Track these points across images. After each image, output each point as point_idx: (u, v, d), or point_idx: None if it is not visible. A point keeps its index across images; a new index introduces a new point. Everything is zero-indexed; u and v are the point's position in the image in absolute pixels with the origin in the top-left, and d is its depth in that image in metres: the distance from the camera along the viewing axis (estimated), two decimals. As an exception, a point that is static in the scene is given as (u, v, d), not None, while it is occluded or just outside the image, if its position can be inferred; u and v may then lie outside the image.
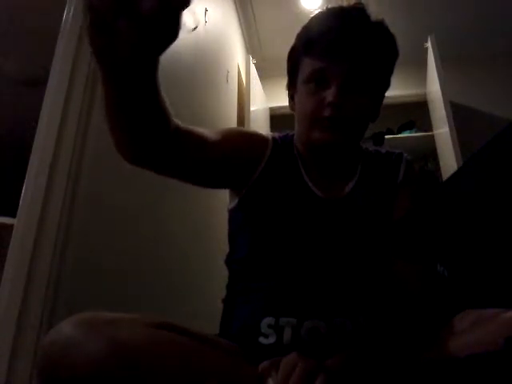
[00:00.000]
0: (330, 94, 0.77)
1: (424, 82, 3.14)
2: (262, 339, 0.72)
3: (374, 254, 0.80)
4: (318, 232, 0.79)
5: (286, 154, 0.87)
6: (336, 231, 0.80)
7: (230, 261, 0.88)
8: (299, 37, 0.87)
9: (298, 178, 0.84)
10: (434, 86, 2.78)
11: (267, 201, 0.81)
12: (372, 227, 0.81)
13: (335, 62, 0.78)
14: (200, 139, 0.71)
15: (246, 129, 0.95)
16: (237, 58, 3.01)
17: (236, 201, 0.85)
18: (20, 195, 1.04)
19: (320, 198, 0.82)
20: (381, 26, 0.82)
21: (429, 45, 2.78)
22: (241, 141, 0.82)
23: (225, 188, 0.88)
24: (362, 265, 0.79)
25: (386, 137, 3.11)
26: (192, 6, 0.39)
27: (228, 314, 0.83)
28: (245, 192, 0.83)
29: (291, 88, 0.90)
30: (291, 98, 0.91)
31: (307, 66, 0.82)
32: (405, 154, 0.91)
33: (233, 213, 0.88)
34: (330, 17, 0.82)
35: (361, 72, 0.78)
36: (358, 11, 0.82)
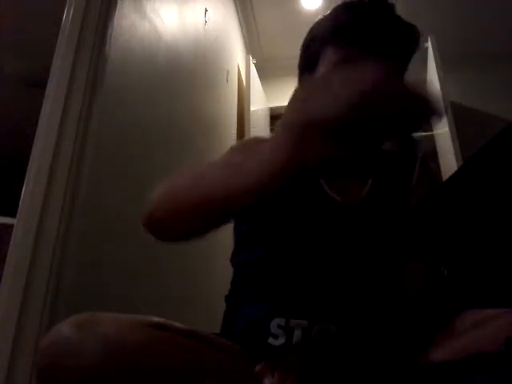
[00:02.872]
0: None
1: (424, 82, 3.14)
2: (271, 340, 0.70)
3: (389, 258, 0.78)
4: (335, 237, 0.77)
5: None
6: (352, 236, 0.77)
7: (239, 262, 0.85)
8: (322, 26, 0.81)
9: (314, 181, 0.81)
10: (434, 86, 2.78)
11: (283, 207, 0.78)
12: (387, 232, 0.78)
13: (365, 51, 0.74)
14: None
15: (251, 140, 0.88)
16: (237, 58, 3.01)
17: None
18: (20, 195, 1.04)
19: (337, 203, 0.80)
20: (403, 20, 0.80)
21: (429, 45, 2.78)
22: None
23: None
24: (377, 270, 0.77)
25: (386, 137, 3.10)
26: None
27: (232, 312, 0.81)
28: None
29: None
30: None
31: (332, 54, 0.77)
32: (419, 154, 0.88)
33: (241, 215, 0.85)
34: (358, 7, 0.77)
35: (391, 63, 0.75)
36: (385, 4, 0.79)
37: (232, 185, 0.45)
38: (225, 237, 0.92)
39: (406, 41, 0.78)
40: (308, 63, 0.83)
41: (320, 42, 0.80)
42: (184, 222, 0.54)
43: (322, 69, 0.79)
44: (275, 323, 0.70)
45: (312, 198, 0.79)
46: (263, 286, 0.76)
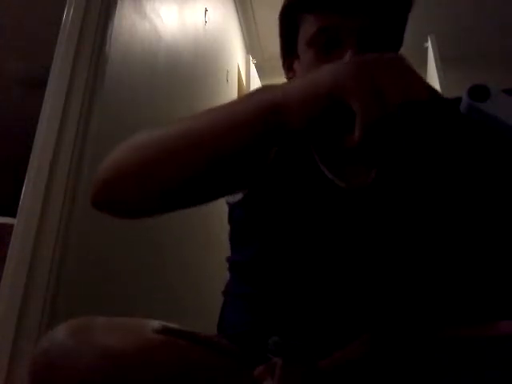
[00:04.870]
0: (345, 57, 0.62)
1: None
2: (269, 354, 0.66)
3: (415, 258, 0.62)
4: (343, 229, 0.64)
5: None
6: (367, 230, 0.64)
7: (233, 262, 0.77)
8: None
9: (313, 168, 0.69)
10: (433, 86, 2.78)
11: (280, 196, 0.67)
12: (410, 218, 0.63)
13: (347, 17, 0.64)
14: None
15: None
16: (237, 57, 3.01)
17: (241, 195, 0.71)
18: (20, 195, 1.04)
19: (342, 190, 0.67)
20: None
21: (429, 45, 2.78)
22: None
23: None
24: (392, 273, 0.62)
25: (386, 137, 3.10)
26: None
27: (226, 314, 0.78)
28: (253, 185, 0.69)
29: (288, 56, 0.75)
30: (289, 68, 0.76)
31: (311, 24, 0.67)
32: None
33: (236, 208, 0.74)
34: None
35: (377, 28, 0.65)
36: None
37: (219, 121, 0.46)
38: (224, 236, 0.92)
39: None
40: (286, 36, 0.74)
41: (294, 10, 0.71)
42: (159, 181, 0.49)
43: (301, 45, 0.71)
44: (272, 340, 0.65)
45: (313, 190, 0.67)
46: (255, 293, 0.67)
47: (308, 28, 0.68)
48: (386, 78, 0.39)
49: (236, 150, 0.46)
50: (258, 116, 0.44)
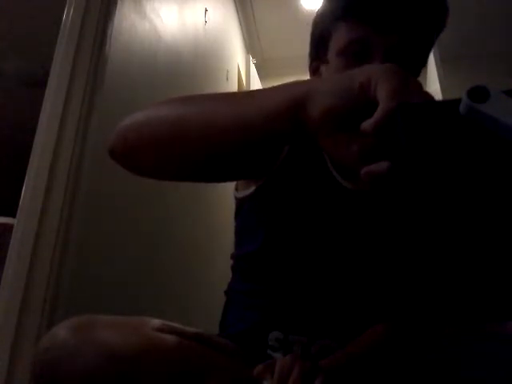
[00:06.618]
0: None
1: (424, 82, 3.14)
2: (270, 351, 0.66)
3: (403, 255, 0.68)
4: (346, 231, 0.67)
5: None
6: (364, 229, 0.67)
7: (237, 256, 0.78)
8: (334, 1, 0.73)
9: (322, 167, 0.72)
10: (433, 86, 2.78)
11: (288, 192, 0.70)
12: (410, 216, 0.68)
13: (382, 31, 0.65)
14: None
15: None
16: (237, 57, 3.01)
17: (252, 189, 0.73)
18: (20, 195, 1.04)
19: (348, 190, 0.69)
20: None
21: (429, 45, 2.78)
22: None
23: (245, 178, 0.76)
24: (387, 271, 0.66)
25: (386, 137, 3.10)
26: None
27: (228, 312, 0.77)
28: (265, 180, 0.71)
29: (316, 59, 0.77)
30: (315, 70, 0.77)
31: (345, 33, 0.69)
32: None
33: (245, 202, 0.76)
34: None
35: (405, 47, 0.66)
36: None
37: (241, 113, 0.47)
38: (225, 236, 0.92)
39: (431, 18, 0.69)
40: (318, 41, 0.75)
41: (330, 16, 0.72)
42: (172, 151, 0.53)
43: (331, 51, 0.72)
44: (273, 336, 0.66)
45: (320, 188, 0.70)
46: (257, 289, 0.70)
47: (340, 37, 0.70)
48: (414, 84, 0.41)
49: (263, 138, 0.48)
50: (289, 107, 0.45)
